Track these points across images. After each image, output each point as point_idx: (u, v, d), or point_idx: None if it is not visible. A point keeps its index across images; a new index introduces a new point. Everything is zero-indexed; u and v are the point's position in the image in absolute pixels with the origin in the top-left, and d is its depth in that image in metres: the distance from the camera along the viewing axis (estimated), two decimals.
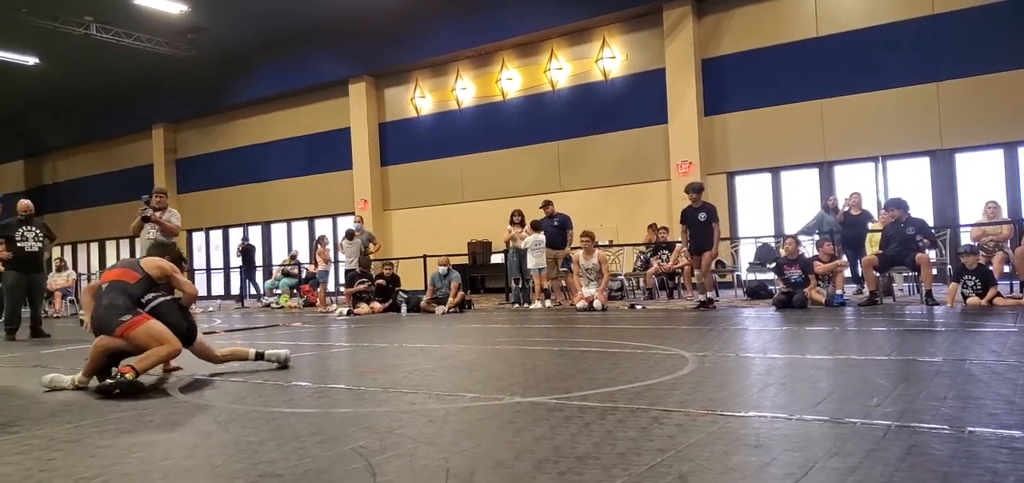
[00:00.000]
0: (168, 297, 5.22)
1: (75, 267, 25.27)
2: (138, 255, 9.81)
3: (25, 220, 9.85)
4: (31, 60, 20.99)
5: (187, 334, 5.17)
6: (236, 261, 20.04)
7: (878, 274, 10.22)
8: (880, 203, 13.34)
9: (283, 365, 5.68)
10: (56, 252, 20.70)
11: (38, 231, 9.95)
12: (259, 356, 5.66)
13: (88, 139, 27.51)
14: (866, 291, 10.37)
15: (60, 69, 21.91)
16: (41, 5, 17.28)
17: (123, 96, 24.73)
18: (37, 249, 9.91)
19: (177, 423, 3.86)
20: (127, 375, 4.61)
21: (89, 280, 20.82)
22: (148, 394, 4.72)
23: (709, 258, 10.81)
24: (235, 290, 20.90)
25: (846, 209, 12.06)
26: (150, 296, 5.07)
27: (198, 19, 18.69)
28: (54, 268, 17.01)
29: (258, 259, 21.14)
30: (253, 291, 19.63)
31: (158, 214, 9.50)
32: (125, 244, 27.27)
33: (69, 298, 16.81)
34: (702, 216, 10.82)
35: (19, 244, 9.72)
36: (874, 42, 14.18)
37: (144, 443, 3.38)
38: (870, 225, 11.77)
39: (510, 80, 18.42)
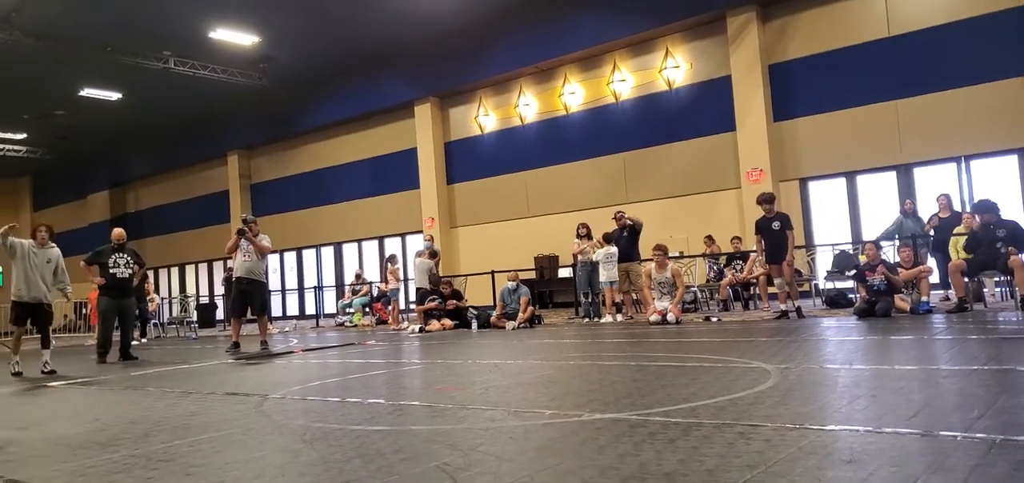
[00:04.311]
0: None
1: (157, 291, 26.24)
2: (236, 274, 10.34)
3: (118, 247, 10.40)
4: (115, 95, 22.05)
5: None
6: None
7: (967, 279, 9.79)
8: (965, 205, 12.81)
9: None
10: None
11: (129, 258, 10.46)
12: None
13: (167, 168, 28.69)
14: (953, 297, 9.95)
15: (141, 102, 22.93)
16: (124, 43, 18.14)
17: (199, 125, 25.73)
18: (128, 275, 10.43)
19: (266, 442, 3.97)
20: None
21: (171, 304, 21.63)
22: (237, 414, 4.86)
23: (788, 269, 10.59)
24: (293, 310, 21.16)
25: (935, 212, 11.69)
26: None
27: (269, 49, 19.32)
28: None
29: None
30: None
31: (252, 235, 10.25)
32: (203, 268, 28.28)
33: (152, 322, 17.43)
34: (776, 225, 10.68)
35: (111, 270, 10.22)
36: (949, 39, 13.64)
37: (237, 461, 3.48)
38: (954, 229, 11.32)
39: (573, 94, 18.40)
